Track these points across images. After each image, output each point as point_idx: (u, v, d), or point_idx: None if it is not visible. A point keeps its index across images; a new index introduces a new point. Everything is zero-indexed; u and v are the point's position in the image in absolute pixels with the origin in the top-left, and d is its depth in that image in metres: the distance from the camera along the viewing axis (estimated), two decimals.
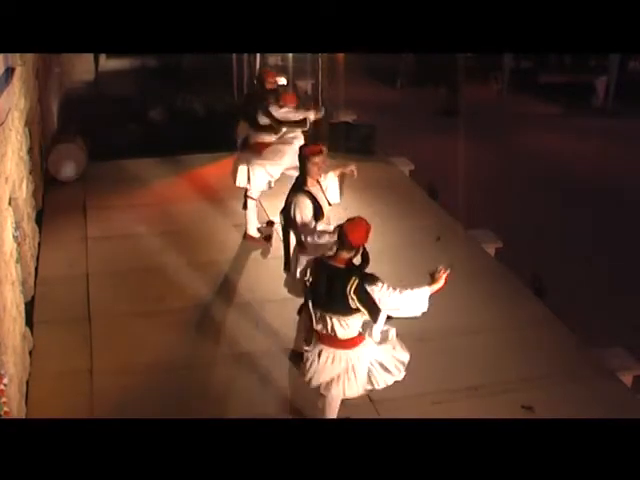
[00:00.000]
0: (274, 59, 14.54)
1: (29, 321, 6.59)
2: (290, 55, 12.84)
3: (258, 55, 13.19)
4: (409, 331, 6.66)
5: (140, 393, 5.87)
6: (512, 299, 7.38)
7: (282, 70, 13.53)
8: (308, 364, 4.91)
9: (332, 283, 4.63)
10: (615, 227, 10.23)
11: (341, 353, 4.80)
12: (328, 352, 4.81)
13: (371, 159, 11.14)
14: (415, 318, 4.83)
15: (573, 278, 8.56)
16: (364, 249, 4.82)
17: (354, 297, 4.53)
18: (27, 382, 5.93)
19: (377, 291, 4.56)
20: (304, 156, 5.84)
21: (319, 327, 4.77)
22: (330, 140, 11.58)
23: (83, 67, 16.13)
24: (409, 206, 9.57)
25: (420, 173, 10.87)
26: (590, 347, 6.59)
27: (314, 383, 4.93)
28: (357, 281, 4.53)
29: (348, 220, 4.75)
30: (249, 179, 7.89)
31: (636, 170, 12.27)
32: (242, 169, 7.89)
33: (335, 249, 4.75)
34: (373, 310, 4.58)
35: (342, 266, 4.65)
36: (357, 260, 4.81)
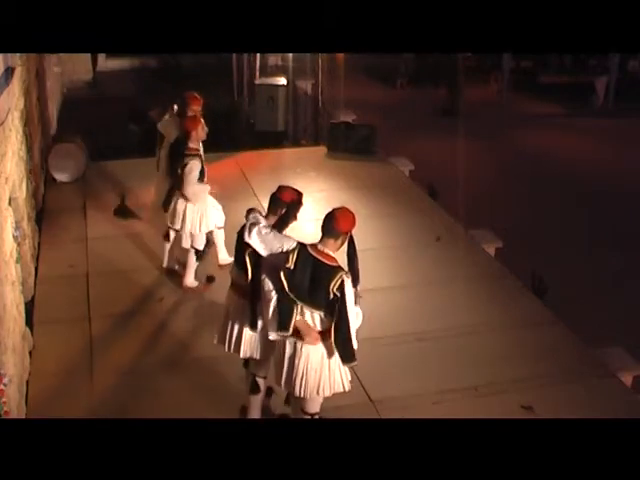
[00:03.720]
0: (274, 59, 14.55)
1: (29, 321, 6.59)
2: (290, 55, 12.83)
3: (258, 55, 13.21)
4: (409, 331, 6.71)
5: (140, 393, 5.87)
6: (512, 299, 7.38)
7: (282, 70, 13.54)
8: (282, 360, 4.85)
9: (315, 276, 4.63)
10: (615, 227, 10.24)
11: (314, 347, 4.75)
12: (301, 346, 4.76)
13: (371, 159, 11.16)
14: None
15: (573, 278, 8.56)
16: (352, 239, 4.77)
17: (337, 293, 4.56)
18: (27, 382, 5.93)
19: (350, 293, 4.60)
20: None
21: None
22: (330, 140, 11.64)
23: (83, 67, 16.15)
24: (409, 206, 9.58)
25: (420, 173, 10.87)
26: (590, 347, 6.59)
27: (284, 383, 4.88)
28: (342, 279, 4.55)
29: (335, 208, 4.74)
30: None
31: (636, 170, 12.27)
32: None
33: (320, 237, 4.71)
34: (344, 310, 4.59)
35: (328, 262, 4.62)
36: (342, 249, 4.76)
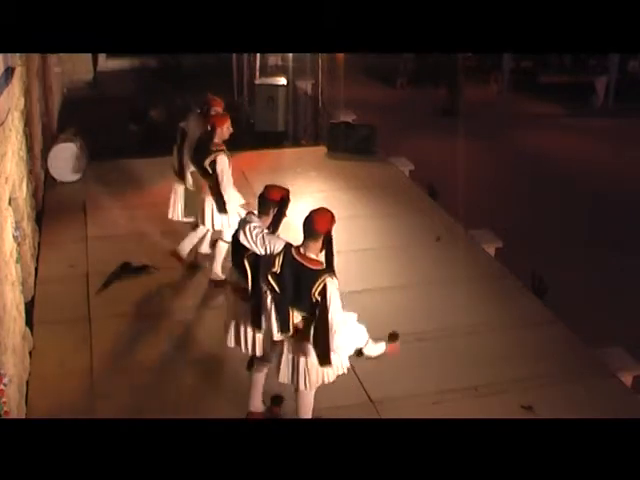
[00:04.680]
0: (274, 59, 14.55)
1: (29, 321, 6.58)
2: (290, 55, 12.83)
3: (258, 55, 13.20)
4: (409, 331, 6.70)
5: (140, 393, 5.87)
6: (512, 299, 7.38)
7: (282, 70, 13.54)
8: (280, 360, 4.90)
9: (299, 280, 4.66)
10: (615, 227, 10.24)
11: (309, 345, 4.78)
12: (295, 345, 4.81)
13: (371, 159, 11.15)
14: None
15: (573, 278, 8.56)
16: (330, 240, 4.76)
17: (318, 298, 4.58)
18: (27, 382, 5.93)
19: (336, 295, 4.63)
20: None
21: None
22: (330, 140, 11.64)
23: (83, 67, 16.14)
24: (409, 206, 9.57)
25: (420, 173, 10.87)
26: (590, 347, 6.59)
27: (287, 379, 4.93)
28: (324, 283, 4.57)
29: (312, 210, 4.77)
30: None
31: (636, 170, 12.28)
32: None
33: (302, 240, 4.73)
34: (324, 312, 4.61)
35: (311, 266, 4.64)
36: (322, 252, 4.77)
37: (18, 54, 7.58)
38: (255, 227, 4.92)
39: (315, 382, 4.89)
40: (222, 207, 6.95)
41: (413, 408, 5.63)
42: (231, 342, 5.37)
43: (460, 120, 13.03)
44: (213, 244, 7.49)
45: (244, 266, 5.00)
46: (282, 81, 12.53)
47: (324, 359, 4.69)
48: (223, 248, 7.27)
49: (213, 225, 7.15)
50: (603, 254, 9.36)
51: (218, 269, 7.39)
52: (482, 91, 17.24)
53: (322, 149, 11.71)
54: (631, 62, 17.66)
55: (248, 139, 12.19)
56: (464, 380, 6.04)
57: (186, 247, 7.54)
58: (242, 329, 5.23)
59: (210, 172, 6.86)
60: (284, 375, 4.92)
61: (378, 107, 15.09)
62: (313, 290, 4.57)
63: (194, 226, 7.50)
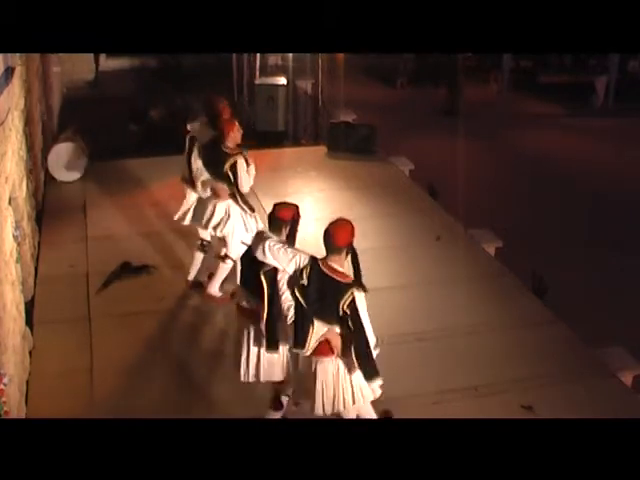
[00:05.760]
0: (274, 59, 14.56)
1: (29, 321, 6.59)
2: (290, 55, 12.83)
3: (258, 55, 13.21)
4: (409, 331, 6.71)
5: (140, 393, 5.87)
6: (512, 299, 7.38)
7: (282, 70, 13.55)
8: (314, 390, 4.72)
9: (326, 293, 4.60)
10: (615, 227, 10.24)
11: (332, 360, 4.70)
12: (321, 361, 4.71)
13: (371, 159, 11.16)
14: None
15: (573, 278, 8.56)
16: (353, 251, 4.72)
17: (347, 311, 4.54)
18: (27, 382, 5.93)
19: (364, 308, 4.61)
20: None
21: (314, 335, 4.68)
22: (330, 140, 11.64)
23: (83, 67, 16.15)
24: (409, 206, 9.57)
25: (420, 173, 10.87)
26: (590, 347, 6.59)
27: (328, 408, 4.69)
28: (353, 296, 4.53)
29: (330, 223, 4.71)
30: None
31: (636, 170, 12.28)
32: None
33: (325, 254, 4.67)
34: (358, 325, 4.57)
35: (340, 279, 4.59)
36: (348, 261, 4.71)
37: (18, 54, 7.59)
38: (275, 243, 4.82)
39: (334, 405, 4.64)
40: (249, 207, 6.89)
41: (413, 408, 5.63)
42: (249, 376, 5.13)
43: (460, 120, 13.03)
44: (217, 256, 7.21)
45: (260, 283, 4.84)
46: (282, 81, 12.54)
47: (369, 374, 4.59)
48: (227, 268, 7.02)
49: (222, 230, 6.91)
50: (603, 254, 9.36)
51: (216, 287, 7.17)
52: (482, 91, 17.24)
53: (322, 149, 11.72)
54: (631, 62, 17.67)
55: (248, 139, 12.20)
56: (464, 380, 6.04)
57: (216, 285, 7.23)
58: (255, 355, 5.04)
59: (231, 176, 6.74)
60: (321, 406, 4.67)
61: (378, 107, 15.09)
62: (342, 303, 4.52)
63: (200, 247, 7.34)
